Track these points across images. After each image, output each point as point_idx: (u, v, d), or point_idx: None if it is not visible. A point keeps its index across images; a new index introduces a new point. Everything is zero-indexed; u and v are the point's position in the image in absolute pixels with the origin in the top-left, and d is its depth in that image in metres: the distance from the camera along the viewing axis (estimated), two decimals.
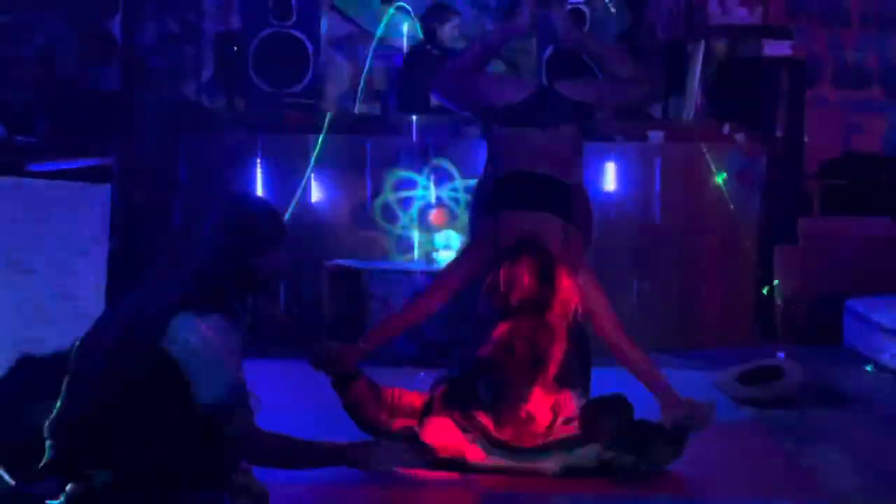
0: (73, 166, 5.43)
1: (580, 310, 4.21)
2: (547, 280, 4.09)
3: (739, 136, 6.62)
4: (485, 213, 4.51)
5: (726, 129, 6.65)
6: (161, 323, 3.16)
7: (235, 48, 6.91)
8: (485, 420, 4.05)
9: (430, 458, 3.98)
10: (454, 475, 3.95)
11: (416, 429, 4.07)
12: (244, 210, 3.45)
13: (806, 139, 6.88)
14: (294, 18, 6.77)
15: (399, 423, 4.13)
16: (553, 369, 4.08)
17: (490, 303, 4.20)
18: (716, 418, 4.11)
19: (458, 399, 4.12)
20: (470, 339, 4.39)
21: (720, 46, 7.02)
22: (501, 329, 4.08)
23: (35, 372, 3.48)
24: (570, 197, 4.45)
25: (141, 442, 3.16)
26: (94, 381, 3.21)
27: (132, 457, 3.16)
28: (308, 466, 3.52)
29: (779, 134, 6.84)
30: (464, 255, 4.59)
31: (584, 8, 6.70)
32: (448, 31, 7.02)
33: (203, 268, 3.34)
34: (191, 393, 3.17)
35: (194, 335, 3.15)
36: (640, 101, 5.07)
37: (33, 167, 5.11)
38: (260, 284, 3.38)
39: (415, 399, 4.21)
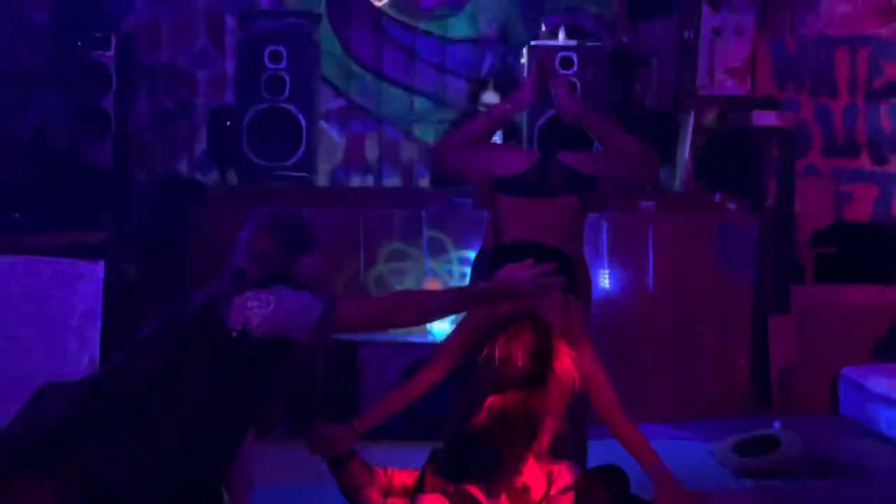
0: (67, 242, 5.43)
1: (578, 385, 4.18)
2: (544, 357, 4.07)
3: (731, 205, 6.65)
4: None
5: (717, 198, 6.69)
6: (218, 308, 3.38)
7: (228, 123, 6.95)
8: (477, 493, 4.01)
9: None
10: None
11: None
12: (284, 218, 3.66)
13: (797, 208, 6.91)
14: (287, 93, 6.83)
15: (392, 501, 4.09)
16: (548, 439, 4.05)
17: (484, 375, 4.17)
18: None
19: (449, 472, 4.08)
20: (463, 410, 4.35)
21: (710, 116, 7.06)
22: (495, 399, 4.06)
23: (60, 396, 3.49)
24: (571, 268, 4.43)
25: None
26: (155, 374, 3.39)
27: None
28: None
29: (770, 203, 6.87)
30: (461, 326, 4.57)
31: (574, 79, 6.77)
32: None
33: (237, 272, 3.53)
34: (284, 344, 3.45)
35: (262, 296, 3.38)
36: (642, 178, 5.08)
37: (27, 243, 5.10)
38: (297, 286, 3.53)
39: (406, 477, 4.16)
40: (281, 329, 3.45)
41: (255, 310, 3.41)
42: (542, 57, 6.06)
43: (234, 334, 3.39)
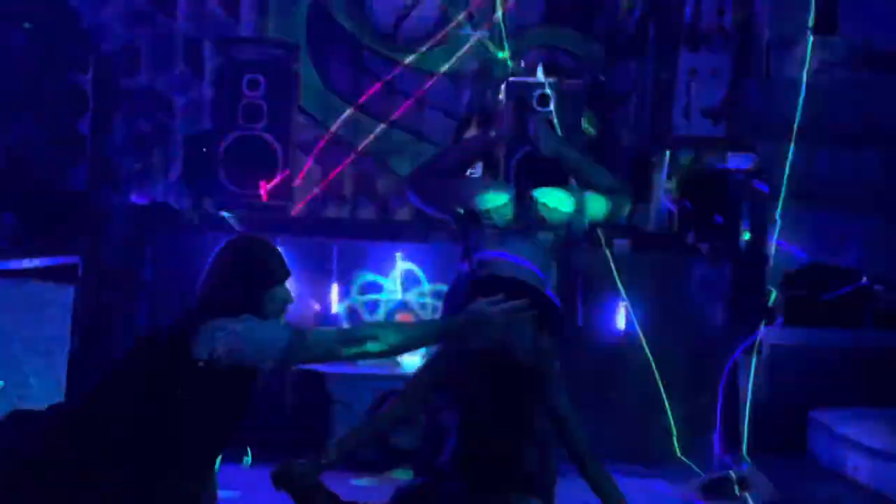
0: (39, 266, 5.39)
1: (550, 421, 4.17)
2: (513, 399, 4.05)
3: (704, 246, 6.66)
4: None
5: (691, 238, 6.70)
6: (185, 337, 3.38)
7: (205, 149, 6.93)
8: None
9: None
10: None
11: None
12: (254, 247, 3.66)
13: (769, 251, 6.93)
14: (264, 121, 6.81)
15: None
16: (517, 476, 4.03)
17: (455, 413, 4.15)
18: None
19: None
20: (432, 445, 4.33)
21: (685, 157, 7.08)
22: (465, 435, 4.04)
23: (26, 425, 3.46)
24: (544, 305, 4.42)
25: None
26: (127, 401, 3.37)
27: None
28: None
29: (742, 244, 6.88)
30: (432, 361, 4.54)
31: (551, 116, 6.78)
32: None
33: (206, 302, 3.51)
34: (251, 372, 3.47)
35: (228, 326, 3.39)
36: (617, 214, 5.09)
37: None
38: (266, 316, 3.54)
39: None
40: (246, 359, 3.44)
41: (221, 339, 3.40)
42: (519, 93, 6.07)
43: (201, 364, 3.38)
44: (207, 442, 3.52)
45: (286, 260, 3.70)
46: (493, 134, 5.18)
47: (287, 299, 3.66)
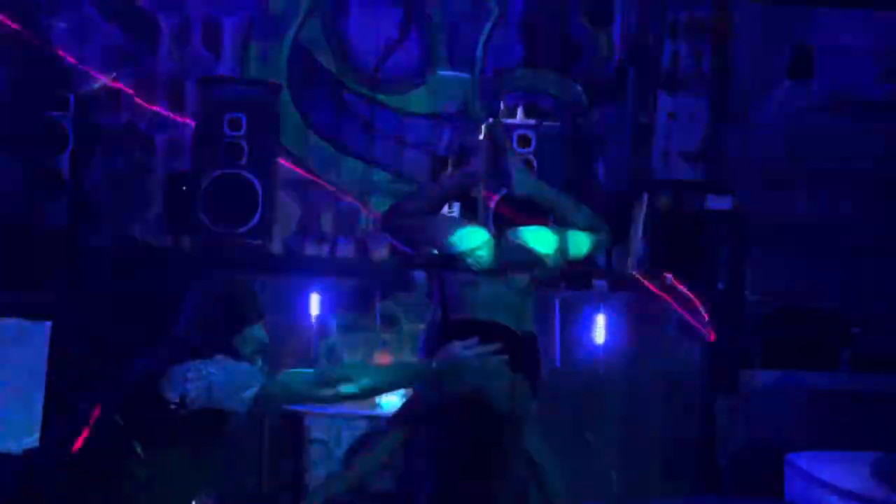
0: (15, 301, 5.36)
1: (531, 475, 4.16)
2: (488, 445, 4.04)
3: (681, 288, 6.68)
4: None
5: (669, 279, 6.71)
6: (155, 378, 3.39)
7: (185, 187, 6.91)
8: None
9: None
10: None
11: None
12: (230, 287, 3.69)
13: (746, 293, 6.95)
14: (245, 160, 6.81)
15: None
16: None
17: (431, 458, 4.13)
18: None
19: None
20: (409, 489, 4.32)
21: (663, 199, 7.11)
22: (440, 482, 4.03)
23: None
24: (520, 347, 4.41)
25: None
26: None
27: None
28: None
29: (720, 286, 6.90)
30: (408, 405, 4.52)
31: (531, 157, 6.82)
32: None
33: (180, 342, 3.54)
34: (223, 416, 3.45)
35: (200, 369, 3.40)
36: (597, 250, 5.08)
37: None
38: (242, 357, 3.54)
39: None
40: (218, 402, 3.41)
41: (192, 382, 3.38)
42: (494, 130, 6.08)
43: (173, 406, 3.36)
44: (181, 485, 3.49)
45: (261, 300, 3.69)
46: (469, 171, 5.17)
47: (262, 340, 3.65)
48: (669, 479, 6.47)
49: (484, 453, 4.08)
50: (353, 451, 5.75)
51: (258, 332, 3.63)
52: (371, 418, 5.88)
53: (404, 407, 4.59)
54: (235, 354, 3.53)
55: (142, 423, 3.38)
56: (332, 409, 6.20)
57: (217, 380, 3.41)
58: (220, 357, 3.47)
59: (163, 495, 3.43)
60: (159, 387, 3.40)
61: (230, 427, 3.54)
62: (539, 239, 4.85)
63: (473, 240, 4.73)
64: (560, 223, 4.92)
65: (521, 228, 4.96)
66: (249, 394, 3.43)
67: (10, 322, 5.03)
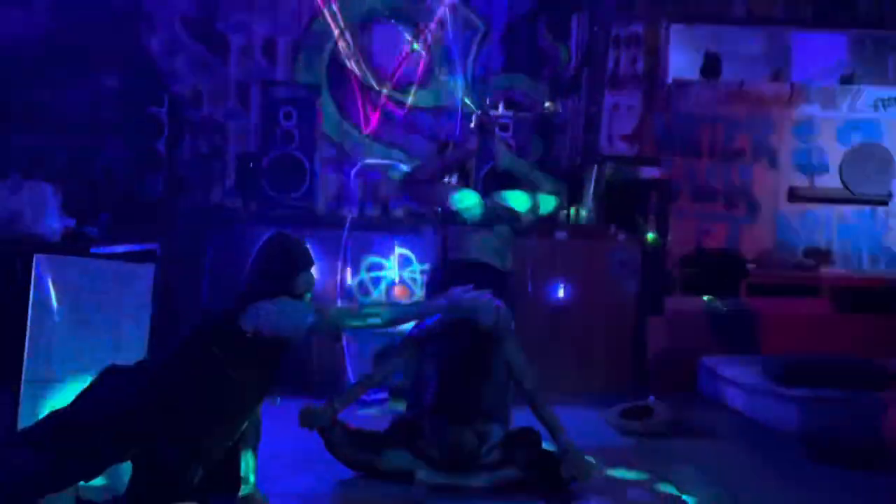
0: (126, 250, 5.37)
1: (510, 374, 4.16)
2: (477, 355, 4.07)
3: (621, 236, 6.69)
4: (438, 291, 4.47)
5: (612, 230, 6.72)
6: (236, 315, 3.40)
7: (251, 164, 6.92)
8: (429, 450, 4.00)
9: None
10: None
11: (375, 459, 4.01)
12: (285, 242, 3.65)
13: (669, 238, 6.96)
14: (296, 143, 6.81)
15: (362, 455, 4.06)
16: (481, 411, 4.04)
17: (434, 364, 4.16)
18: (600, 474, 4.01)
19: (408, 435, 4.07)
20: (419, 387, 4.32)
21: (608, 170, 7.11)
22: (441, 382, 4.05)
23: (118, 378, 3.45)
24: (504, 280, 4.43)
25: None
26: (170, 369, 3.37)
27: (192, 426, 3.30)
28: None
29: (650, 234, 6.91)
30: (418, 326, 4.53)
31: (510, 139, 6.82)
32: None
33: (251, 286, 3.52)
34: (279, 353, 3.45)
35: (268, 306, 3.40)
36: (556, 209, 5.09)
37: (95, 250, 5.05)
38: (297, 295, 3.54)
39: (374, 435, 4.14)
40: (281, 332, 3.45)
41: (262, 317, 3.41)
42: (483, 119, 6.07)
43: (248, 334, 3.39)
44: (253, 392, 3.53)
45: (311, 250, 3.71)
46: (464, 150, 5.18)
47: (311, 282, 3.67)
48: (611, 378, 6.50)
49: (475, 360, 4.12)
50: (379, 355, 5.77)
51: (308, 276, 3.65)
52: (392, 333, 5.90)
53: (417, 327, 4.62)
54: (293, 293, 3.56)
55: (225, 347, 3.41)
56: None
57: (281, 315, 3.44)
58: (282, 297, 3.50)
59: (245, 398, 3.47)
60: (239, 321, 3.42)
61: (289, 347, 3.58)
62: (517, 200, 4.87)
63: (468, 200, 4.76)
64: (529, 188, 4.93)
65: (503, 192, 4.99)
66: (305, 326, 3.47)
67: (124, 265, 5.03)
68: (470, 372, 4.08)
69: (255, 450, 3.69)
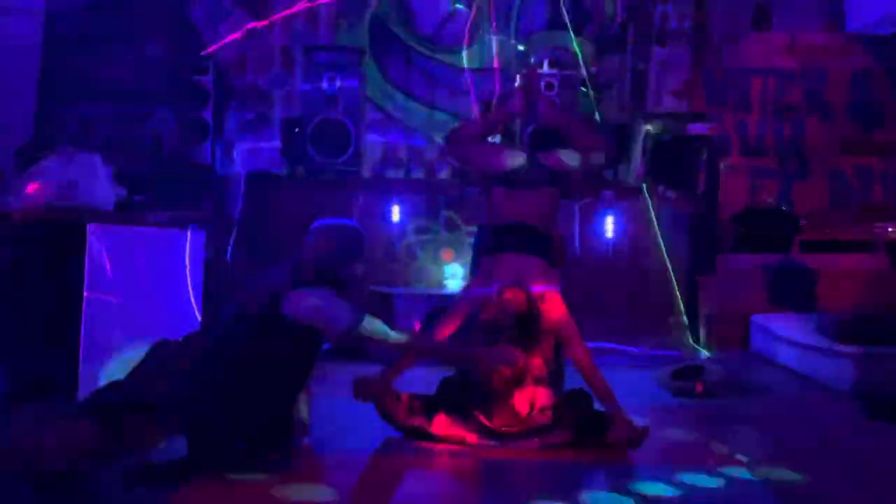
0: (176, 217, 5.45)
1: (559, 335, 4.15)
2: (528, 320, 4.06)
3: (670, 194, 6.64)
4: (485, 254, 4.46)
5: (661, 188, 6.67)
6: (279, 298, 3.40)
7: (297, 130, 6.96)
8: (479, 414, 4.02)
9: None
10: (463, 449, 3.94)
11: (427, 424, 4.04)
12: (344, 230, 3.65)
13: (720, 196, 6.89)
14: (340, 108, 6.83)
15: (414, 420, 4.08)
16: (530, 379, 4.03)
17: (485, 326, 4.16)
18: (647, 438, 4.00)
19: (459, 399, 4.09)
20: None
21: (656, 127, 7.04)
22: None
23: (169, 352, 3.51)
24: (549, 243, 4.40)
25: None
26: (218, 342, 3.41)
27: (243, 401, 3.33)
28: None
29: (700, 192, 6.85)
30: (468, 289, 4.52)
31: (555, 98, 6.76)
32: None
33: (302, 264, 3.52)
34: (318, 337, 3.45)
35: (310, 298, 3.39)
36: (601, 164, 5.00)
37: (148, 219, 5.13)
38: (344, 286, 3.56)
39: (425, 400, 4.16)
40: (317, 324, 3.47)
41: (301, 307, 3.43)
42: (529, 75, 6.00)
43: (287, 320, 3.42)
44: (296, 369, 3.56)
45: (364, 243, 3.70)
46: (510, 110, 5.09)
47: (358, 275, 3.68)
48: (663, 337, 6.48)
49: (521, 329, 4.11)
50: (428, 317, 5.77)
51: (357, 268, 3.65)
52: (441, 297, 5.95)
53: (466, 290, 4.58)
54: (338, 284, 3.57)
55: (266, 328, 3.45)
56: (414, 289, 6.29)
57: (320, 310, 3.45)
58: (327, 291, 3.51)
59: (288, 374, 3.52)
60: (279, 304, 3.45)
61: (326, 338, 3.59)
62: (567, 156, 4.78)
63: (516, 160, 4.69)
64: (576, 146, 4.84)
65: (548, 154, 4.91)
66: (338, 329, 3.48)
67: (174, 232, 5.11)
68: (517, 340, 4.08)
69: (307, 412, 3.77)
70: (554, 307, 4.18)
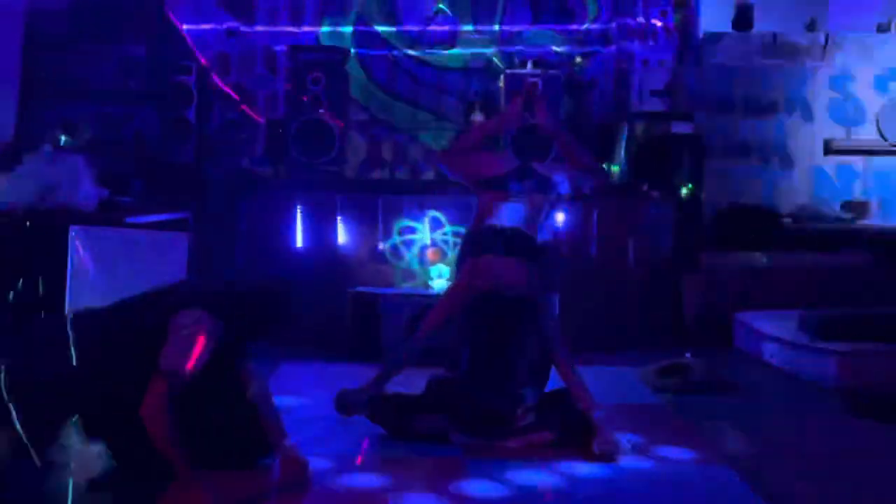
0: (159, 219, 5.43)
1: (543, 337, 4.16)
2: (505, 327, 4.09)
3: (654, 193, 6.65)
4: (470, 256, 4.45)
5: (645, 187, 6.68)
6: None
7: (280, 130, 6.94)
8: (465, 412, 4.03)
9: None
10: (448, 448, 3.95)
11: (413, 421, 4.04)
12: (269, 300, 3.47)
13: (703, 195, 6.90)
14: (324, 108, 6.81)
15: (401, 418, 4.08)
16: (514, 377, 4.05)
17: (465, 335, 4.17)
18: (628, 451, 3.97)
19: (444, 397, 4.09)
20: (456, 351, 4.31)
21: (640, 127, 7.05)
22: (472, 352, 4.08)
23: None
24: (534, 246, 4.38)
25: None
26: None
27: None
28: None
29: (684, 191, 6.87)
30: (452, 289, 4.52)
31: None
32: None
33: (220, 301, 3.37)
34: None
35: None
36: (594, 187, 4.96)
37: (130, 220, 5.11)
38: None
39: (412, 398, 4.16)
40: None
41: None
42: (528, 85, 6.00)
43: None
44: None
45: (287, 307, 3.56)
46: (506, 118, 5.06)
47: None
48: (647, 334, 6.48)
49: (505, 328, 4.11)
50: (413, 319, 5.77)
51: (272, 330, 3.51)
52: (426, 296, 5.93)
53: (451, 290, 4.57)
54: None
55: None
56: (399, 289, 6.26)
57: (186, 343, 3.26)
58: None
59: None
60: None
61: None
62: (554, 170, 4.78)
63: (505, 167, 4.68)
64: (568, 159, 4.81)
65: (539, 162, 4.91)
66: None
67: (158, 234, 5.08)
68: (500, 340, 4.09)
69: (273, 414, 3.64)
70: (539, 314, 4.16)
